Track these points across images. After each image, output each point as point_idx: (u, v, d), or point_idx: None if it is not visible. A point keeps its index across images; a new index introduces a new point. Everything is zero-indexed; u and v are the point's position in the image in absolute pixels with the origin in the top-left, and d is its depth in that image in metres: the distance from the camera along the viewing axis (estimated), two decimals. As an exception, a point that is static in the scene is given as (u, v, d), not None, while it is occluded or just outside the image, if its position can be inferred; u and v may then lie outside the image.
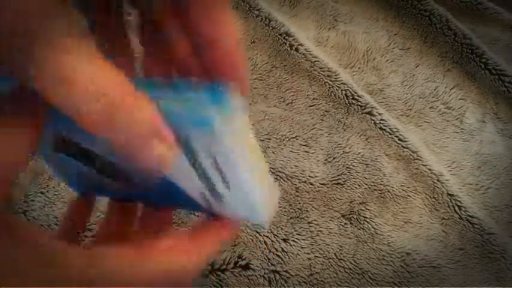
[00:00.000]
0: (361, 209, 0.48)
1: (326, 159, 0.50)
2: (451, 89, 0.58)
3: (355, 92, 0.53)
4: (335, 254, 0.45)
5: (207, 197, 0.20)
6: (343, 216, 0.48)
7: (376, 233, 0.47)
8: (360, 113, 0.53)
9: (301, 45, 0.55)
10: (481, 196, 0.52)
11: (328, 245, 0.46)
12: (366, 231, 0.47)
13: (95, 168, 0.21)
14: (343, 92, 0.53)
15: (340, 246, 0.46)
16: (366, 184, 0.49)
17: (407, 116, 0.56)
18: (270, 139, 0.50)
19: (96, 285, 0.15)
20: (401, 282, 0.45)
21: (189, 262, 0.18)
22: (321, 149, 0.51)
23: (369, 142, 0.52)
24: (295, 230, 0.46)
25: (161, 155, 0.14)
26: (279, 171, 0.49)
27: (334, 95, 0.54)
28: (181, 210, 0.44)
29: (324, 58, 0.55)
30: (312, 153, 0.50)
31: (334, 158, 0.51)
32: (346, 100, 0.53)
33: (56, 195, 0.44)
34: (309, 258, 0.45)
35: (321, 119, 0.53)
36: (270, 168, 0.49)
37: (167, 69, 0.20)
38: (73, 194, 0.25)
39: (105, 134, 0.13)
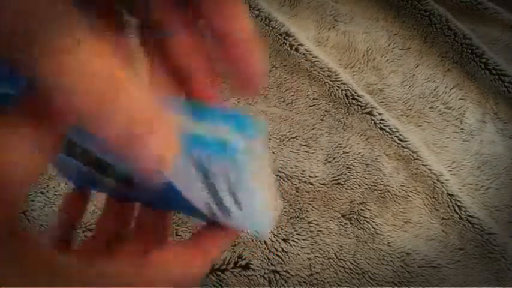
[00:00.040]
0: (361, 209, 0.48)
1: (326, 159, 0.50)
2: (451, 89, 0.58)
3: (355, 92, 0.53)
4: (335, 254, 0.45)
5: (213, 210, 0.20)
6: (343, 216, 0.48)
7: (376, 233, 0.47)
8: (360, 113, 0.53)
9: (301, 45, 0.55)
10: (481, 196, 0.52)
11: (328, 245, 0.46)
12: (366, 231, 0.47)
13: (95, 169, 0.21)
14: (343, 92, 0.53)
15: (340, 246, 0.46)
16: (366, 184, 0.49)
17: (407, 116, 0.56)
18: (270, 139, 0.50)
19: None
20: (401, 282, 0.45)
21: (194, 269, 0.19)
22: (321, 149, 0.51)
23: (369, 142, 0.52)
24: (295, 230, 0.46)
25: (161, 154, 0.14)
26: (279, 171, 0.49)
27: (334, 95, 0.54)
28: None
29: (324, 58, 0.55)
30: (312, 153, 0.50)
31: (334, 158, 0.51)
32: (346, 100, 0.53)
33: (56, 195, 0.44)
34: (309, 258, 0.45)
35: (321, 119, 0.53)
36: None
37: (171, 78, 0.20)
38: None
39: (103, 132, 0.13)
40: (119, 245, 0.21)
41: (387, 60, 0.59)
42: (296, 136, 0.51)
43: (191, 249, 0.19)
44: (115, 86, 0.13)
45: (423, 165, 0.50)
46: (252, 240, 0.44)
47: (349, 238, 0.46)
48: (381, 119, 0.52)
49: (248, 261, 0.43)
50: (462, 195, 0.50)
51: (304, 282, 0.43)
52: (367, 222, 0.47)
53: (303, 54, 0.55)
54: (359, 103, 0.53)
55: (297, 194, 0.48)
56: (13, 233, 0.14)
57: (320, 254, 0.45)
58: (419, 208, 0.49)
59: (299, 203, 0.47)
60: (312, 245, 0.45)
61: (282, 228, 0.46)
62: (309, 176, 0.49)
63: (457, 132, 0.55)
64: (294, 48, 0.55)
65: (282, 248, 0.45)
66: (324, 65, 0.54)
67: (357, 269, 0.45)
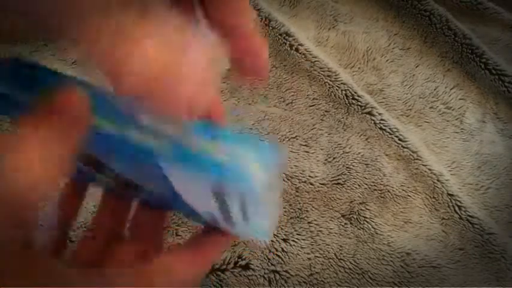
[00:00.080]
0: (361, 209, 0.48)
1: (326, 159, 0.50)
2: (451, 89, 0.58)
3: (355, 92, 0.53)
4: (335, 254, 0.45)
5: (216, 219, 0.20)
6: (343, 216, 0.48)
7: (376, 233, 0.47)
8: (360, 113, 0.53)
9: (301, 45, 0.55)
10: (481, 196, 0.52)
11: (328, 245, 0.46)
12: (366, 231, 0.47)
13: (95, 168, 0.21)
14: (343, 92, 0.53)
15: (340, 246, 0.46)
16: (366, 184, 0.49)
17: (407, 116, 0.56)
18: (270, 139, 0.51)
19: None
20: (401, 282, 0.45)
21: (194, 270, 0.19)
22: (321, 149, 0.51)
23: (369, 142, 0.52)
24: (295, 230, 0.46)
25: (192, 96, 0.14)
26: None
27: (334, 95, 0.54)
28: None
29: (324, 58, 0.55)
30: (312, 153, 0.51)
31: (334, 158, 0.51)
32: (346, 100, 0.53)
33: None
34: (309, 258, 0.45)
35: (321, 119, 0.53)
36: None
37: None
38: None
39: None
40: (118, 245, 0.21)
41: (387, 60, 0.59)
42: (296, 136, 0.51)
43: (191, 251, 0.19)
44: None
45: (423, 165, 0.50)
46: (252, 240, 0.44)
47: (349, 238, 0.46)
48: (381, 119, 0.52)
49: (248, 261, 0.43)
50: (462, 195, 0.50)
51: (304, 282, 0.43)
52: (367, 222, 0.47)
53: (303, 54, 0.55)
54: (359, 103, 0.53)
55: (297, 194, 0.48)
56: (24, 253, 0.14)
57: (320, 254, 0.45)
58: (419, 208, 0.49)
59: (299, 203, 0.47)
60: (312, 245, 0.45)
61: (282, 228, 0.46)
62: (309, 176, 0.49)
63: (457, 132, 0.55)
64: (294, 48, 0.55)
65: (282, 248, 0.45)
66: (324, 65, 0.54)
67: (357, 269, 0.45)
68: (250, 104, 0.53)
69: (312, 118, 0.53)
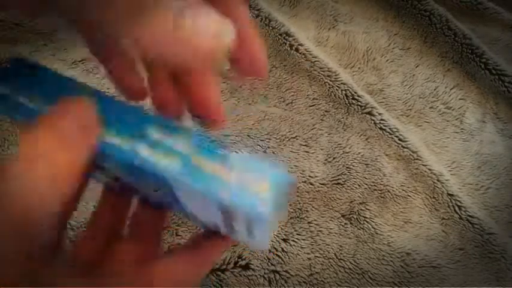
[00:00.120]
0: (361, 209, 0.48)
1: (326, 159, 0.50)
2: (451, 89, 0.58)
3: (355, 92, 0.53)
4: (335, 254, 0.45)
5: (220, 228, 0.20)
6: (343, 216, 0.48)
7: (376, 233, 0.47)
8: (360, 113, 0.53)
9: (301, 45, 0.55)
10: (481, 196, 0.52)
11: (328, 245, 0.46)
12: (366, 231, 0.47)
13: (95, 168, 0.21)
14: (343, 92, 0.53)
15: (340, 246, 0.46)
16: (366, 184, 0.49)
17: (407, 116, 0.56)
18: (270, 139, 0.50)
19: None
20: (401, 282, 0.45)
21: (194, 270, 0.19)
22: (321, 149, 0.51)
23: (369, 142, 0.52)
24: (295, 230, 0.46)
25: (210, 47, 0.15)
26: (279, 171, 0.49)
27: (334, 95, 0.54)
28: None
29: (324, 58, 0.55)
30: (312, 153, 0.50)
31: (334, 158, 0.51)
32: (346, 100, 0.53)
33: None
34: (309, 258, 0.45)
35: (321, 119, 0.53)
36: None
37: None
38: None
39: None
40: (118, 244, 0.21)
41: (387, 60, 0.59)
42: (296, 136, 0.51)
43: (191, 251, 0.19)
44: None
45: (423, 165, 0.50)
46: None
47: (349, 238, 0.46)
48: (381, 119, 0.52)
49: (248, 261, 0.43)
50: (462, 195, 0.50)
51: (304, 282, 0.43)
52: (367, 222, 0.47)
53: (303, 54, 0.55)
54: (359, 103, 0.53)
55: (297, 194, 0.48)
56: (27, 264, 0.14)
57: (320, 254, 0.45)
58: (419, 208, 0.49)
59: (299, 203, 0.47)
60: (312, 245, 0.45)
61: (282, 228, 0.46)
62: (309, 176, 0.49)
63: (457, 132, 0.55)
64: (294, 48, 0.55)
65: (282, 248, 0.45)
66: (324, 65, 0.54)
67: (357, 269, 0.45)
68: (250, 104, 0.53)
69: (312, 118, 0.53)
